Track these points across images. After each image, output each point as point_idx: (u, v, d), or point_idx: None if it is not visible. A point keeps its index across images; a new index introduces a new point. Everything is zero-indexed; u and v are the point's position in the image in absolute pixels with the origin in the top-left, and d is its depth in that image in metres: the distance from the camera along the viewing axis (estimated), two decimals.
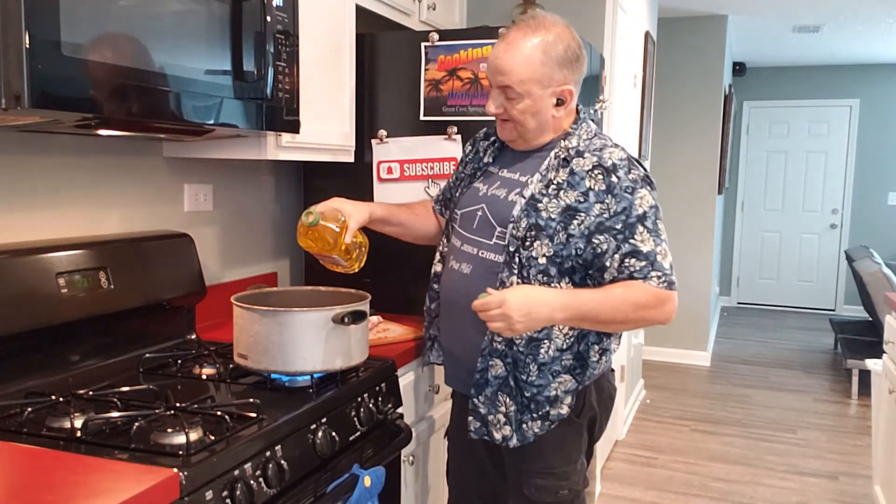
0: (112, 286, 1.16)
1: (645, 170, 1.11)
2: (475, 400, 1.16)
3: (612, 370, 1.26)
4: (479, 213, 1.17)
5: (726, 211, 5.48)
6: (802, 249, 5.49)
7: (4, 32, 0.76)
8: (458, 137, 1.55)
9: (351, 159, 1.58)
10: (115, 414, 0.91)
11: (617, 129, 2.38)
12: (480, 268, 1.14)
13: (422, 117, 1.58)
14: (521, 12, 1.91)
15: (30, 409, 0.92)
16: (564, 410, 1.14)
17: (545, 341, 1.11)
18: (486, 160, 1.23)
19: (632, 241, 1.06)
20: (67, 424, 0.88)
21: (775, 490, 2.43)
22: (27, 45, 0.77)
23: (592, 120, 1.90)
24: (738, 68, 5.19)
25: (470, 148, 1.29)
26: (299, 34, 1.23)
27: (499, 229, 1.13)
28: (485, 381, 1.15)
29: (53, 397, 0.97)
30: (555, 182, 1.10)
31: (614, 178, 1.07)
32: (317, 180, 1.73)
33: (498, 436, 1.16)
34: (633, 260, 1.06)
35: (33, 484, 0.73)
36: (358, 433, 1.10)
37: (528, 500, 1.18)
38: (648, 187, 1.09)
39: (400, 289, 1.63)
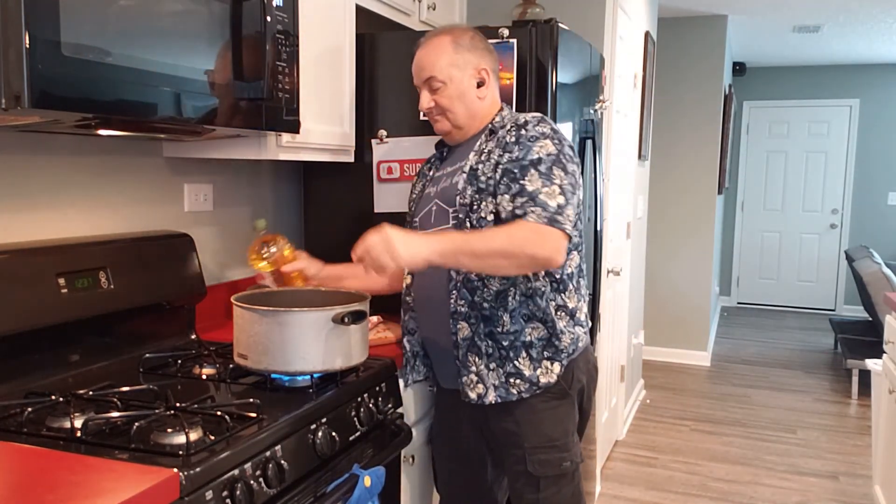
0: (112, 286, 1.15)
1: (556, 130, 1.17)
2: (456, 362, 1.22)
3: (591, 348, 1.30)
4: (434, 207, 1.24)
5: (726, 211, 5.48)
6: (802, 249, 5.49)
7: (4, 32, 0.76)
8: None
9: (351, 159, 1.58)
10: (115, 414, 0.91)
11: (617, 129, 2.38)
12: None
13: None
14: (521, 12, 1.91)
15: (30, 409, 0.92)
16: (553, 379, 1.18)
17: (510, 289, 1.18)
18: (430, 174, 1.32)
19: (521, 181, 1.12)
20: (67, 424, 0.88)
21: (775, 490, 2.43)
22: (27, 45, 0.77)
23: (592, 120, 1.91)
24: (738, 68, 5.19)
25: (416, 179, 1.38)
26: (299, 34, 1.23)
27: (451, 210, 1.20)
28: (456, 345, 1.21)
29: (53, 397, 0.97)
30: (485, 150, 1.19)
31: (523, 131, 1.16)
32: (317, 180, 1.73)
33: (472, 395, 1.21)
34: (518, 198, 1.12)
35: (33, 484, 0.73)
36: (358, 433, 1.10)
37: (532, 478, 1.20)
38: (552, 141, 1.14)
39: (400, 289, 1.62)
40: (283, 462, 0.91)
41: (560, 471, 1.20)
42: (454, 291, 1.20)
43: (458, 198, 1.19)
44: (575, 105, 1.74)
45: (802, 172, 5.45)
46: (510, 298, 1.17)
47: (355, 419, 1.10)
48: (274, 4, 1.15)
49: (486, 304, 1.18)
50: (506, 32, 1.52)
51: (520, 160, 1.13)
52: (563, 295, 1.19)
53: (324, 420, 1.02)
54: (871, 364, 2.16)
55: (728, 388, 3.55)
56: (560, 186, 1.11)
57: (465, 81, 1.21)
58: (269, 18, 1.13)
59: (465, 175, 1.19)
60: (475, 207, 1.16)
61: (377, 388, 1.18)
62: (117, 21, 0.88)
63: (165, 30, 0.95)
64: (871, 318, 3.78)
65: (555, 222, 1.09)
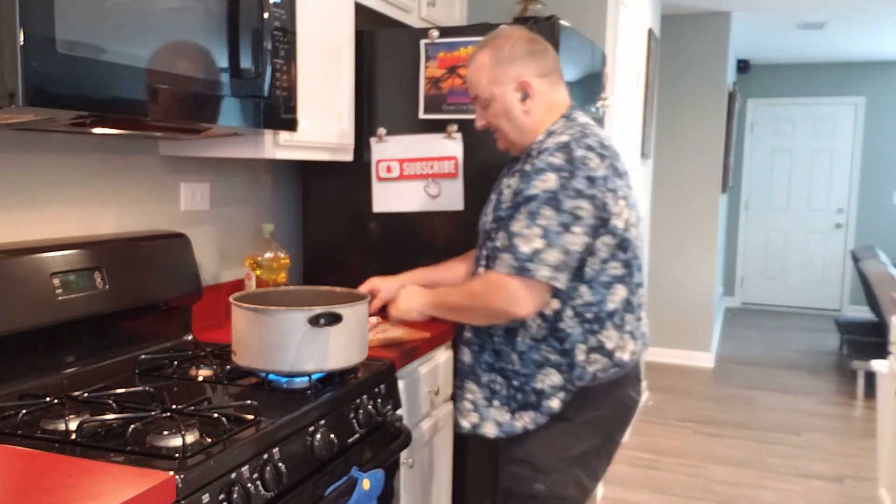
0: (107, 286, 1.14)
1: (573, 159, 1.06)
2: (453, 386, 1.24)
3: (639, 378, 1.21)
4: (484, 217, 1.22)
5: (730, 210, 5.45)
6: (807, 249, 5.45)
7: None
8: (459, 136, 1.54)
9: (350, 158, 1.57)
10: (110, 416, 0.91)
11: (619, 127, 2.37)
12: None
13: (421, 115, 1.57)
14: (522, 9, 1.90)
15: (24, 411, 0.91)
16: (556, 404, 1.13)
17: (520, 330, 1.13)
18: (501, 175, 1.28)
19: (511, 218, 1.09)
20: (62, 426, 0.87)
21: (780, 493, 2.41)
22: (21, 43, 0.76)
23: (593, 118, 1.89)
24: (743, 66, 5.17)
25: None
26: (297, 31, 1.22)
27: (483, 230, 1.20)
28: (456, 370, 1.21)
29: (48, 399, 0.96)
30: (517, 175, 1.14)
31: (536, 161, 1.09)
32: (316, 179, 1.72)
33: (466, 423, 1.18)
34: (501, 238, 1.10)
35: (28, 487, 0.73)
36: (357, 435, 1.09)
37: (503, 492, 1.17)
38: (559, 174, 1.05)
39: None
40: (280, 465, 0.90)
41: (530, 491, 1.14)
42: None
43: (482, 221, 1.20)
44: (576, 103, 1.71)
45: (807, 171, 5.41)
46: (518, 339, 1.13)
47: (354, 421, 1.09)
48: (271, 1, 1.14)
49: (496, 339, 1.15)
50: None
51: (518, 194, 1.08)
52: (598, 335, 1.11)
53: (322, 422, 1.01)
54: (877, 365, 2.14)
55: (732, 390, 3.52)
56: (544, 229, 1.04)
57: (507, 97, 1.14)
58: (266, 15, 1.12)
59: (495, 198, 1.16)
60: (492, 236, 1.13)
61: (376, 390, 1.17)
62: (112, 18, 0.87)
63: (161, 26, 0.94)
64: (876, 319, 3.75)
65: (522, 271, 1.04)
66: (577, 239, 1.05)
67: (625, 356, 1.13)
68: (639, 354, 1.18)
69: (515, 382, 1.14)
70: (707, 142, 3.85)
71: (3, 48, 0.76)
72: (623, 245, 1.11)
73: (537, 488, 1.14)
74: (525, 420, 1.14)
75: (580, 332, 1.10)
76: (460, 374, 1.20)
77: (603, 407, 1.15)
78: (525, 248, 1.04)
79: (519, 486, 1.15)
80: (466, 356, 1.18)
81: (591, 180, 1.06)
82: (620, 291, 1.12)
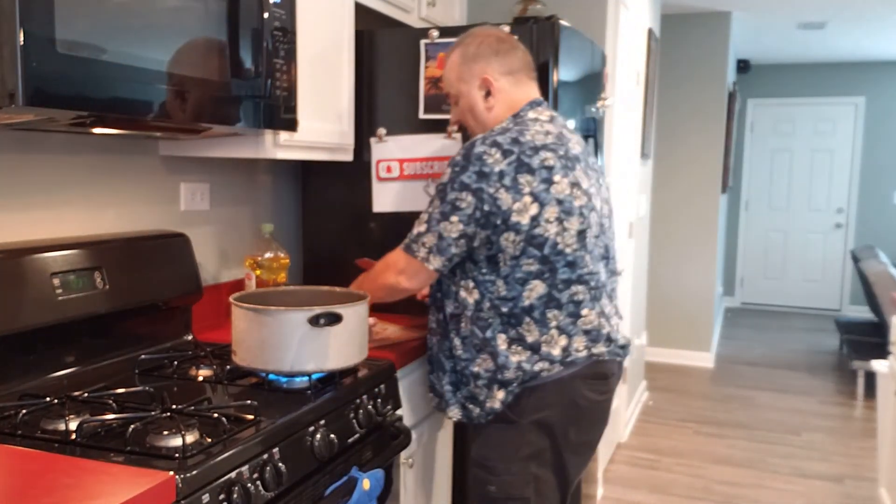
0: (107, 286, 1.14)
1: (469, 156, 1.12)
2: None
3: (603, 377, 1.18)
4: None
5: (730, 210, 5.45)
6: (807, 249, 5.45)
7: None
8: (458, 136, 1.54)
9: (350, 158, 1.57)
10: (110, 416, 0.91)
11: (619, 127, 2.37)
12: None
13: (421, 115, 1.57)
14: (522, 9, 1.90)
15: (24, 411, 0.91)
16: (497, 405, 1.16)
17: (462, 315, 1.18)
18: None
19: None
20: (62, 426, 0.87)
21: (780, 493, 2.41)
22: (21, 42, 0.76)
23: (593, 119, 1.89)
24: (743, 66, 5.17)
25: None
26: (297, 31, 1.22)
27: None
28: (428, 358, 1.29)
29: (48, 399, 0.96)
30: None
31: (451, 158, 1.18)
32: (315, 179, 1.72)
33: (434, 402, 1.27)
34: None
35: (27, 487, 0.72)
36: (357, 435, 1.09)
37: (470, 493, 1.23)
38: (453, 168, 1.14)
39: None
40: (280, 465, 0.90)
41: (484, 492, 1.18)
42: (431, 306, 1.25)
43: None
44: (576, 103, 1.72)
45: (807, 171, 5.42)
46: (462, 324, 1.18)
47: (354, 421, 1.09)
48: (271, 1, 1.14)
49: (448, 325, 1.21)
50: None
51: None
52: (518, 329, 1.14)
53: (322, 422, 1.01)
54: (877, 365, 2.14)
55: (732, 390, 3.52)
56: (429, 215, 1.15)
57: (472, 94, 1.20)
58: (266, 15, 1.12)
59: None
60: None
61: (376, 390, 1.17)
62: (112, 18, 0.87)
63: (161, 26, 0.94)
64: (876, 319, 3.75)
65: (407, 248, 1.16)
66: (452, 227, 1.13)
67: (554, 351, 1.13)
68: (589, 352, 1.14)
69: (458, 367, 1.20)
70: (707, 142, 3.85)
71: (3, 48, 0.76)
72: (536, 241, 1.10)
73: (490, 490, 1.17)
74: (476, 412, 1.19)
75: (498, 322, 1.15)
76: (430, 362, 1.27)
77: (549, 408, 1.14)
78: (415, 230, 1.17)
79: (476, 487, 1.20)
80: (433, 345, 1.24)
81: (481, 175, 1.11)
82: (538, 288, 1.12)
